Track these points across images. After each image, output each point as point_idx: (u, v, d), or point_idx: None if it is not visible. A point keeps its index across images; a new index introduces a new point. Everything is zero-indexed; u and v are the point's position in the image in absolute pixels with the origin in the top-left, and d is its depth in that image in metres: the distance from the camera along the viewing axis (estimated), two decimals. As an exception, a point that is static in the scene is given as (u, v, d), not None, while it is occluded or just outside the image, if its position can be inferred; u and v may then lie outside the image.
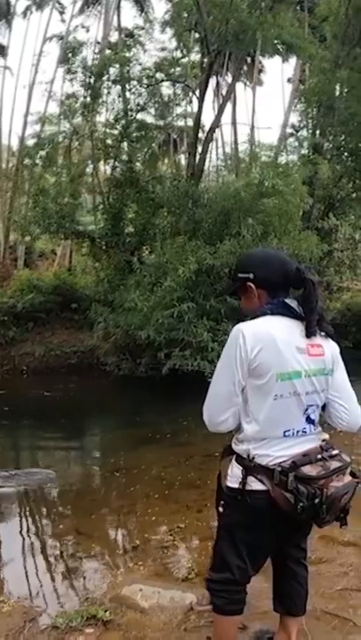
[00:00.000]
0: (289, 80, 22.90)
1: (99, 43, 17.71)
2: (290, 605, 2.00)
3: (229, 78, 18.94)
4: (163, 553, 3.39)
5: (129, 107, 12.55)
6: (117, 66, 12.18)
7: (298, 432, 1.78)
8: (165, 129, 18.20)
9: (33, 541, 3.97)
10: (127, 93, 12.52)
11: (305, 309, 1.78)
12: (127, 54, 12.60)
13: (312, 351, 1.77)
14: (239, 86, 24.05)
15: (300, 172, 10.39)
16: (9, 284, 14.02)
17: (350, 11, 12.26)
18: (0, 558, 3.58)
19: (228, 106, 19.79)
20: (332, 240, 12.43)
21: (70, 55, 12.15)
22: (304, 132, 16.20)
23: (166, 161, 25.23)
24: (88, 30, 20.50)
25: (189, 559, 3.33)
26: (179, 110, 19.99)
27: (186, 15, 13.09)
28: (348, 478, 1.76)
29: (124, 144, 12.70)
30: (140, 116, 13.00)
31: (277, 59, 20.31)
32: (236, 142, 22.71)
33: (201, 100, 12.86)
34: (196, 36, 14.22)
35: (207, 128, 13.44)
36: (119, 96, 12.54)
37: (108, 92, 12.52)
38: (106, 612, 2.47)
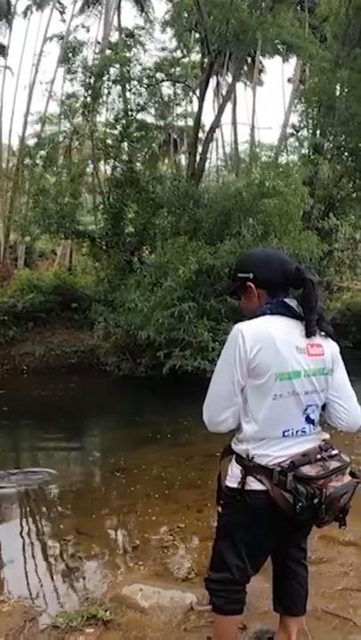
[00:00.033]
0: (289, 80, 22.92)
1: (99, 43, 17.75)
2: (290, 605, 2.01)
3: (230, 78, 18.93)
4: (163, 553, 3.39)
5: (129, 107, 12.57)
6: (118, 66, 12.20)
7: (297, 432, 1.78)
8: (166, 129, 18.22)
9: (33, 541, 3.96)
10: (127, 93, 12.54)
11: (305, 309, 1.78)
12: (127, 54, 12.61)
13: (312, 351, 1.77)
14: (239, 86, 24.10)
15: (301, 172, 10.38)
16: (9, 284, 14.02)
17: (351, 11, 12.28)
18: (0, 558, 3.58)
19: (229, 106, 19.87)
20: (332, 240, 12.44)
21: (71, 55, 12.16)
22: (304, 132, 16.21)
23: (167, 161, 25.24)
24: (88, 30, 20.52)
25: (189, 559, 3.33)
26: (179, 110, 20.08)
27: (186, 15, 13.12)
28: (347, 478, 1.76)
29: (125, 144, 12.71)
30: (140, 115, 13.05)
31: (278, 59, 20.41)
32: (236, 142, 22.79)
33: (201, 99, 12.88)
34: (197, 35, 14.23)
35: (207, 128, 13.48)
36: (119, 96, 12.57)
37: (109, 92, 12.54)
38: (106, 611, 2.47)
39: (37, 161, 16.22)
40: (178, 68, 14.11)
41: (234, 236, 9.14)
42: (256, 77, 22.32)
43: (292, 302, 1.81)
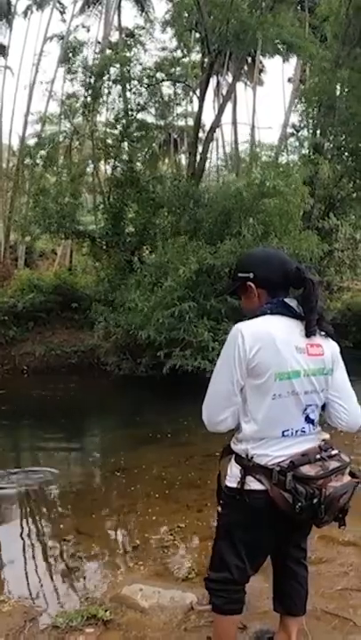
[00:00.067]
0: (289, 80, 22.91)
1: (99, 42, 17.76)
2: (290, 605, 2.01)
3: (230, 78, 18.94)
4: (163, 553, 3.39)
5: (129, 106, 12.58)
6: (118, 65, 12.20)
7: (297, 432, 1.78)
8: (166, 129, 18.22)
9: (33, 541, 3.96)
10: (128, 93, 12.54)
11: (305, 309, 1.78)
12: (128, 54, 12.62)
13: (312, 351, 1.76)
14: (240, 86, 24.11)
15: (301, 172, 10.39)
16: (9, 284, 14.03)
17: (351, 10, 12.27)
18: (0, 558, 3.58)
19: (229, 105, 19.85)
20: (332, 240, 12.43)
21: (71, 55, 12.17)
22: (305, 132, 16.21)
23: (167, 161, 25.24)
24: (89, 30, 20.64)
25: (190, 559, 3.33)
26: (179, 110, 20.06)
27: (186, 15, 13.11)
28: (346, 478, 1.75)
29: (125, 144, 12.71)
30: (140, 115, 13.07)
31: (278, 58, 20.40)
32: (236, 142, 22.77)
33: (201, 99, 12.87)
34: (197, 35, 14.23)
35: (208, 128, 13.47)
36: (120, 96, 12.58)
37: (109, 92, 12.55)
38: (106, 611, 2.47)
39: (37, 161, 16.21)
40: (178, 68, 14.11)
41: (234, 235, 9.13)
42: (256, 77, 22.32)
43: (293, 302, 1.81)
